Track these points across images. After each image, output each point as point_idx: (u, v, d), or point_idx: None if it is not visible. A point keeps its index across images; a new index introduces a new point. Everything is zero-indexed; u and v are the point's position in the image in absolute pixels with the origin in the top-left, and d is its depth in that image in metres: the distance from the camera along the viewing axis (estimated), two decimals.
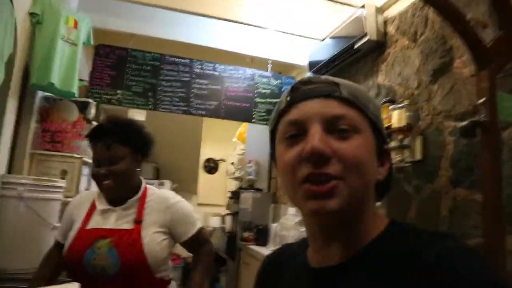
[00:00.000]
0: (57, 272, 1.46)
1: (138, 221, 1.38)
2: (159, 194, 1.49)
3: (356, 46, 2.58)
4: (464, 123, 1.22)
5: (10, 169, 2.44)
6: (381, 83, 2.53)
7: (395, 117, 2.17)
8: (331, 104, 0.59)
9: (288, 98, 0.62)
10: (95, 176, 1.40)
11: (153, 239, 1.37)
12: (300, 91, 0.61)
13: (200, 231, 1.49)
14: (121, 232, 1.35)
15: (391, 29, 2.47)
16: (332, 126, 0.57)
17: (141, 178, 1.50)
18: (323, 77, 0.63)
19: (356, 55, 2.71)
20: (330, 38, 2.97)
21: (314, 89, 0.61)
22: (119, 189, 1.39)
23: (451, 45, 1.92)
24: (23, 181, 1.80)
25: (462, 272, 0.47)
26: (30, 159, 2.63)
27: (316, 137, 0.56)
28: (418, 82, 2.16)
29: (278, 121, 0.64)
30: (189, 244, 1.49)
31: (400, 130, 2.12)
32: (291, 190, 0.59)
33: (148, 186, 1.50)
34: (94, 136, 1.42)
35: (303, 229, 2.80)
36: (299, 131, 0.59)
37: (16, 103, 2.38)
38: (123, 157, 1.39)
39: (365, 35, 2.48)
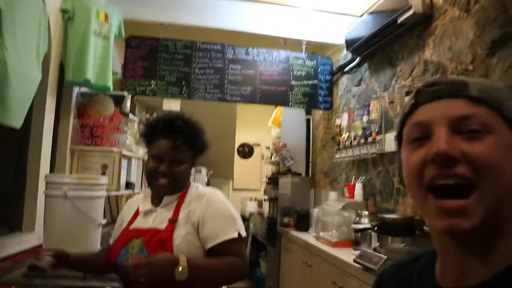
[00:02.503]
0: (96, 263, 1.42)
1: (172, 220, 1.29)
2: (199, 190, 1.40)
3: (399, 21, 2.40)
4: None
5: (52, 166, 2.48)
6: (429, 59, 2.35)
7: None
8: (458, 103, 0.54)
9: (412, 101, 0.59)
10: (152, 172, 1.33)
11: (186, 241, 1.24)
12: (425, 93, 0.58)
13: (235, 242, 1.26)
14: (154, 231, 1.27)
15: None
16: (460, 127, 0.53)
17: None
18: (450, 77, 0.58)
19: (399, 30, 2.53)
20: (369, 13, 2.79)
21: (439, 89, 0.57)
22: (173, 191, 1.35)
23: None
24: (67, 180, 1.80)
25: None
26: (71, 155, 2.66)
27: (441, 139, 0.52)
28: (473, 56, 1.98)
29: (403, 124, 0.61)
30: (216, 254, 1.25)
31: None
32: (419, 199, 0.55)
33: (192, 183, 1.44)
34: (162, 131, 1.35)
35: (346, 214, 2.70)
36: (424, 134, 0.55)
37: (54, 101, 2.38)
38: (186, 160, 1.35)
39: (410, 7, 2.29)
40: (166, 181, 1.31)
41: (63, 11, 2.33)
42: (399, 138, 0.63)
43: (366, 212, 2.62)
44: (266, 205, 4.70)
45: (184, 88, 3.19)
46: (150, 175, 1.35)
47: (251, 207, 5.62)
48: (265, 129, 5.74)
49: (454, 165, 0.50)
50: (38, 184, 2.17)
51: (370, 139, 2.78)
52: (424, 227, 2.11)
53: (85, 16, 2.38)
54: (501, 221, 0.52)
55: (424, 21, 2.36)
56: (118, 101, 2.77)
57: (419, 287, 0.61)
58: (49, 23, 2.11)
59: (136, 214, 1.40)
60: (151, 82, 3.14)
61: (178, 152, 1.33)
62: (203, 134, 1.43)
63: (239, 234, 1.28)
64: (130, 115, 2.94)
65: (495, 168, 0.50)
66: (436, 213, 0.51)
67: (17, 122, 1.81)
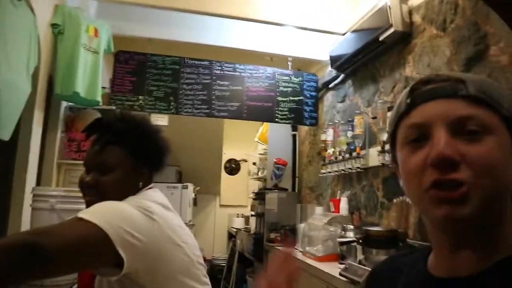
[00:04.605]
0: None
1: None
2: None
3: (381, 38, 2.50)
4: None
5: (39, 179, 2.46)
6: (409, 75, 2.44)
7: None
8: (456, 104, 0.54)
9: (408, 100, 0.58)
10: (80, 186, 1.07)
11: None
12: (421, 92, 0.57)
13: (73, 220, 0.84)
14: None
15: (417, 18, 2.38)
16: (459, 128, 0.53)
17: (150, 192, 1.10)
18: (446, 74, 0.57)
19: (380, 48, 2.63)
20: (352, 32, 2.89)
21: (436, 88, 0.56)
22: None
23: (486, 31, 1.83)
24: (54, 193, 1.80)
25: None
26: (58, 169, 2.65)
27: (441, 142, 0.52)
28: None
29: (397, 124, 0.60)
30: None
31: None
32: (416, 197, 0.56)
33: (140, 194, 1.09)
34: (89, 133, 1.10)
35: (333, 228, 2.73)
36: (421, 135, 0.55)
37: (42, 114, 2.40)
38: (118, 166, 1.05)
39: (390, 26, 2.39)
40: (91, 197, 1.03)
41: (53, 26, 2.37)
42: (392, 138, 0.63)
43: (352, 226, 2.65)
44: (252, 221, 4.70)
45: (172, 103, 3.23)
46: (80, 190, 1.08)
47: (238, 223, 5.60)
48: (251, 145, 5.78)
49: (454, 168, 0.51)
50: (24, 197, 2.16)
51: (354, 154, 2.84)
52: (407, 240, 2.16)
53: (75, 31, 2.42)
54: (496, 216, 0.53)
55: (404, 39, 2.46)
56: (106, 116, 2.79)
57: (411, 275, 0.62)
58: (39, 37, 2.14)
59: None
60: (139, 97, 3.17)
61: (105, 156, 1.04)
62: (150, 132, 1.13)
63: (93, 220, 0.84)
64: None
65: (494, 169, 0.51)
66: (433, 202, 0.52)
67: (5, 134, 1.82)
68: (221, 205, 6.32)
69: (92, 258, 0.84)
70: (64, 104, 2.70)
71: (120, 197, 1.02)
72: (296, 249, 3.29)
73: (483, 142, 0.51)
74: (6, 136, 1.83)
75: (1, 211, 2.16)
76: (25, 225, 2.05)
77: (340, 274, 2.14)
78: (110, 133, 1.07)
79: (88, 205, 1.03)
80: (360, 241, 2.20)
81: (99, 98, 2.59)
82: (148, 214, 0.95)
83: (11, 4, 1.84)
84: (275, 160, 4.29)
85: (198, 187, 5.28)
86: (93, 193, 1.03)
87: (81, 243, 0.80)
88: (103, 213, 0.87)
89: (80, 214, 0.84)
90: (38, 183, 2.44)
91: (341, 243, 2.43)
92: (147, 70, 3.22)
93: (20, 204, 2.16)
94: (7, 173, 2.19)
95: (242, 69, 3.43)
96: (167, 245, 0.98)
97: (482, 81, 0.56)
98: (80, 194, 1.59)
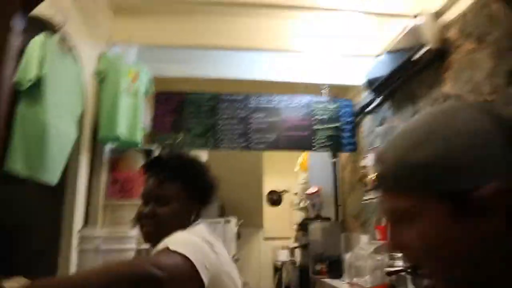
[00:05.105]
0: None
1: None
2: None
3: (414, 58, 2.44)
4: None
5: (86, 220, 2.55)
6: (448, 92, 2.35)
7: None
8: (389, 197, 0.57)
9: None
10: (137, 216, 1.16)
11: None
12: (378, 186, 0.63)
13: (166, 251, 0.91)
14: None
15: (452, 34, 2.31)
16: (397, 218, 0.56)
17: (200, 226, 1.15)
18: (382, 168, 0.59)
19: (416, 67, 2.56)
20: (386, 53, 2.84)
21: (379, 185, 0.60)
22: (158, 236, 1.05)
23: None
24: (98, 234, 1.85)
25: None
26: (104, 209, 2.73)
27: (388, 235, 0.59)
28: (492, 86, 1.98)
29: None
30: None
31: None
32: None
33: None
34: (148, 168, 1.22)
35: (380, 257, 2.60)
36: None
37: (88, 157, 2.51)
38: (173, 199, 1.14)
39: (423, 45, 2.34)
40: (148, 228, 1.12)
41: (97, 73, 2.52)
42: None
43: (400, 254, 2.52)
44: (298, 253, 4.59)
45: (210, 139, 3.29)
46: (136, 220, 1.18)
47: (283, 256, 5.48)
48: (292, 175, 5.73)
49: (404, 254, 0.57)
50: (72, 238, 2.24)
51: None
52: None
53: (116, 77, 2.56)
54: (482, 279, 0.50)
55: (440, 56, 2.38)
56: (147, 155, 2.89)
57: None
58: (84, 85, 2.28)
59: None
60: (179, 135, 3.27)
61: (163, 189, 1.14)
62: (201, 170, 1.22)
63: (175, 250, 0.91)
64: None
65: (432, 250, 0.51)
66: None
67: (53, 178, 1.92)
68: (266, 238, 6.23)
69: (185, 286, 0.92)
70: (108, 146, 2.82)
71: (175, 228, 1.07)
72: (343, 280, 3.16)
73: (414, 227, 0.53)
74: (54, 181, 1.93)
75: (52, 252, 2.25)
76: (74, 266, 2.11)
77: None
78: (167, 169, 1.17)
79: (146, 236, 1.14)
80: (409, 270, 2.07)
81: (139, 139, 2.69)
82: (211, 247, 1.03)
83: (61, 55, 2.00)
84: (306, 193, 4.22)
85: (241, 221, 5.26)
86: (151, 223, 1.12)
87: (181, 275, 0.89)
88: (186, 245, 0.95)
89: (171, 247, 0.91)
90: (86, 223, 2.53)
91: (389, 273, 2.30)
92: (185, 109, 3.33)
93: (69, 246, 2.24)
94: (56, 215, 2.29)
95: (277, 100, 3.46)
96: (223, 276, 1.04)
97: (402, 160, 0.54)
98: (124, 234, 1.64)
